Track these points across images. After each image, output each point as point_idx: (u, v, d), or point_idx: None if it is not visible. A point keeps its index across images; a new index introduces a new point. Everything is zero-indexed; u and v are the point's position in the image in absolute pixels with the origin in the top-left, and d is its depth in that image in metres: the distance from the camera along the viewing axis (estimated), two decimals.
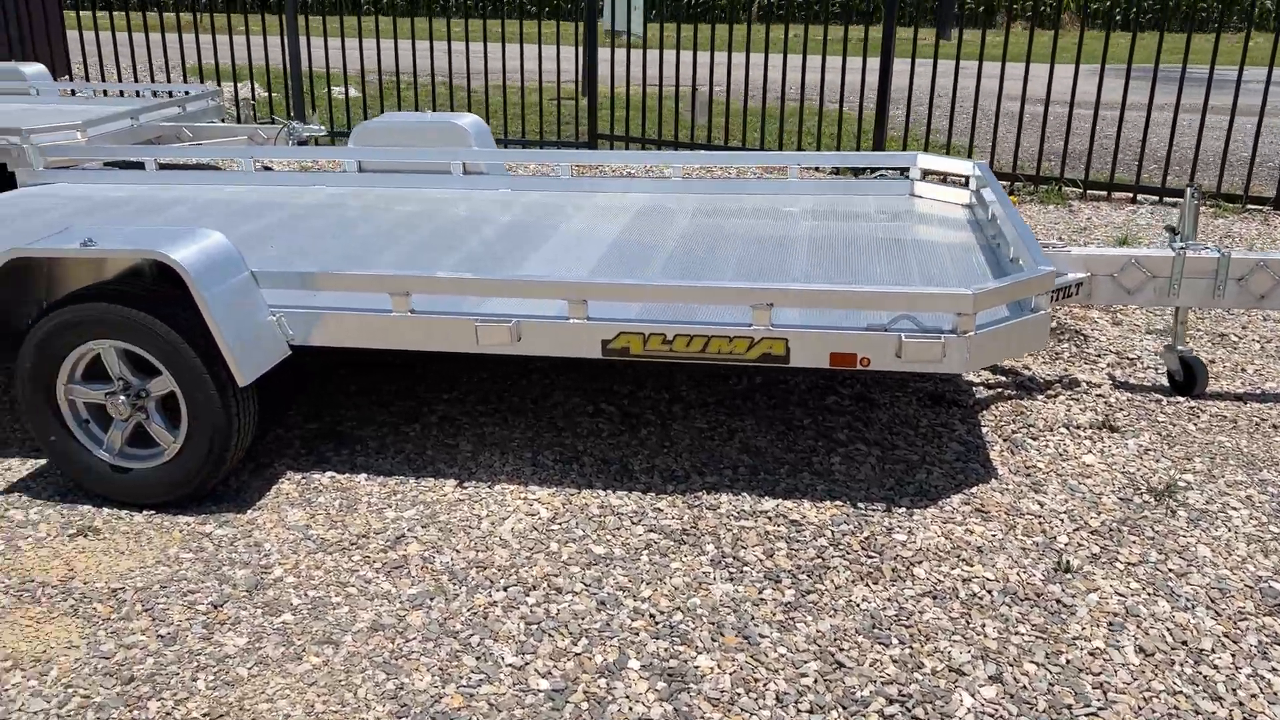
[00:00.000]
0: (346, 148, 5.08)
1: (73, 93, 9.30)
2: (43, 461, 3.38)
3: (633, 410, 3.71)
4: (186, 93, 8.38)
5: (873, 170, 6.79)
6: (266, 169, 7.82)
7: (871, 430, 3.54)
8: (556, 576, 2.73)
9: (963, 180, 4.52)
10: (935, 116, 10.23)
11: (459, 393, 3.88)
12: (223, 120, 8.26)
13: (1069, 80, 6.96)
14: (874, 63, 7.61)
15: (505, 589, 2.68)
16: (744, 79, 8.16)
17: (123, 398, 3.00)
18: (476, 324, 3.00)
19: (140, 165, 5.40)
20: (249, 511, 3.07)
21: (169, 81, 11.23)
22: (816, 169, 7.66)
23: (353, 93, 11.17)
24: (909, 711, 2.23)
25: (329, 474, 3.29)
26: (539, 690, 2.32)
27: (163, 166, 5.33)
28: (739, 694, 2.29)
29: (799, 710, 2.24)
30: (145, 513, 3.07)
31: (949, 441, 3.46)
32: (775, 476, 3.23)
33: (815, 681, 2.32)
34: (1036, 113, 11.02)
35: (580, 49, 11.20)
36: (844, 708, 2.24)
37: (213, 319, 2.85)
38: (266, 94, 11.23)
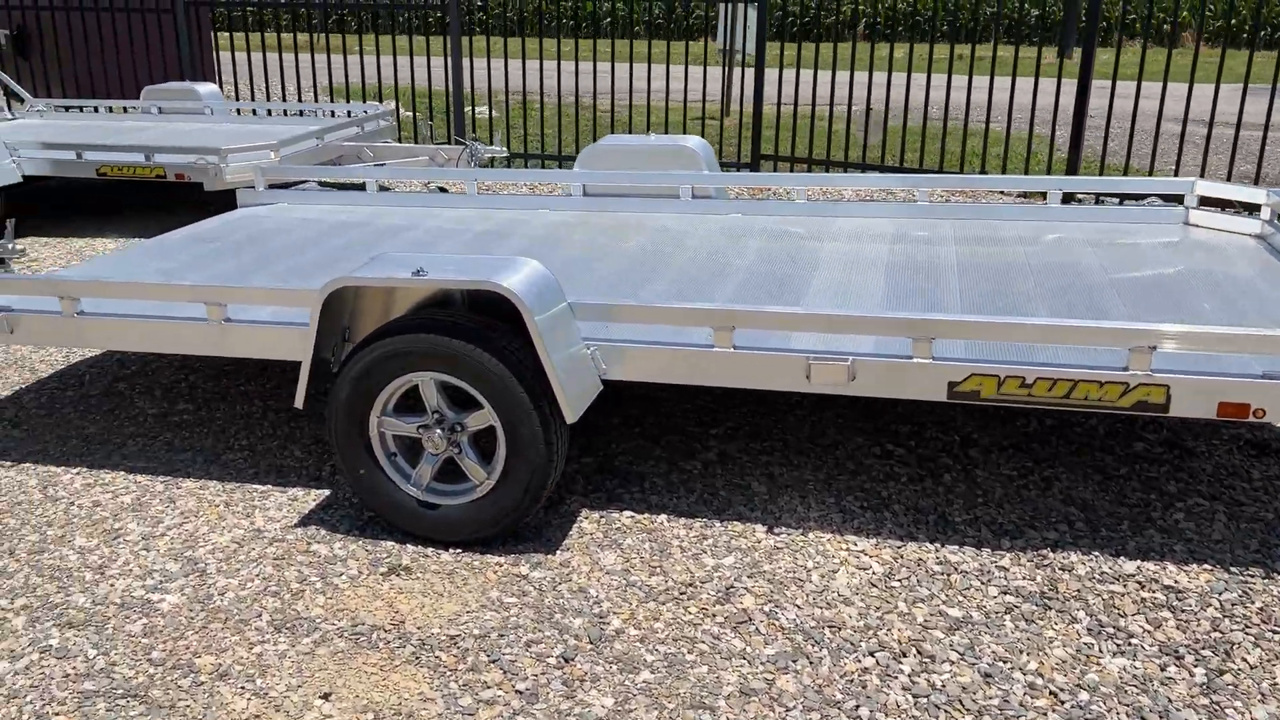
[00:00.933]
0: (572, 171, 4.97)
1: (238, 112, 9.49)
2: (326, 491, 3.29)
3: (925, 453, 3.48)
4: (349, 112, 8.43)
5: (1140, 197, 6.41)
6: (441, 190, 7.79)
7: (1202, 482, 3.25)
8: (921, 641, 2.51)
9: (1245, 209, 4.20)
10: (1095, 138, 9.79)
11: (726, 428, 3.70)
12: (396, 139, 8.27)
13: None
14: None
15: (871, 654, 2.47)
16: (924, 99, 7.88)
17: (439, 431, 2.87)
18: (810, 361, 2.80)
19: (360, 186, 5.37)
20: (558, 553, 2.91)
21: (304, 100, 11.34)
22: (1074, 196, 7.37)
23: (485, 112, 11.18)
24: None
25: (627, 513, 3.12)
26: None
27: (382, 188, 5.28)
28: None
29: None
30: (451, 550, 2.93)
31: None
32: (1118, 533, 2.96)
33: None
34: (1200, 132, 10.51)
35: (717, 69, 11.06)
36: None
37: (545, 353, 2.71)
38: (422, 114, 11.31)
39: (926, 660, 2.44)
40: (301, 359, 2.93)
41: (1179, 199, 4.35)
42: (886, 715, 2.26)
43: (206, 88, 9.16)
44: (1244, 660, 2.40)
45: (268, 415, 3.88)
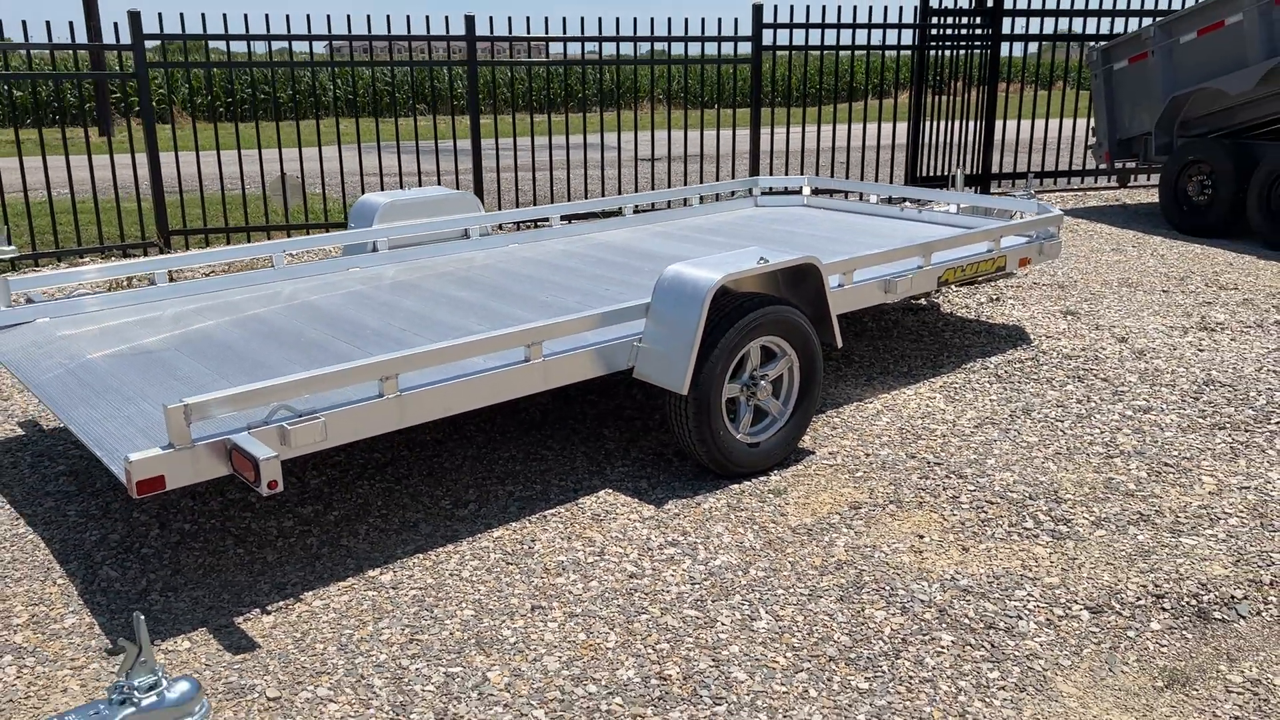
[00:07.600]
0: (372, 229, 5.14)
1: None
2: (607, 487, 3.66)
3: None
4: None
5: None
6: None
7: None
8: None
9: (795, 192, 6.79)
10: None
11: None
12: None
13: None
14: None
15: None
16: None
17: (764, 383, 3.74)
18: None
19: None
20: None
21: None
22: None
23: None
24: None
25: None
26: None
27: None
28: None
29: None
30: (747, 481, 3.80)
31: None
32: None
33: None
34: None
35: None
36: None
37: (831, 299, 3.87)
38: None
39: None
40: (687, 354, 3.44)
41: (749, 192, 6.75)
42: None
43: None
44: None
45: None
